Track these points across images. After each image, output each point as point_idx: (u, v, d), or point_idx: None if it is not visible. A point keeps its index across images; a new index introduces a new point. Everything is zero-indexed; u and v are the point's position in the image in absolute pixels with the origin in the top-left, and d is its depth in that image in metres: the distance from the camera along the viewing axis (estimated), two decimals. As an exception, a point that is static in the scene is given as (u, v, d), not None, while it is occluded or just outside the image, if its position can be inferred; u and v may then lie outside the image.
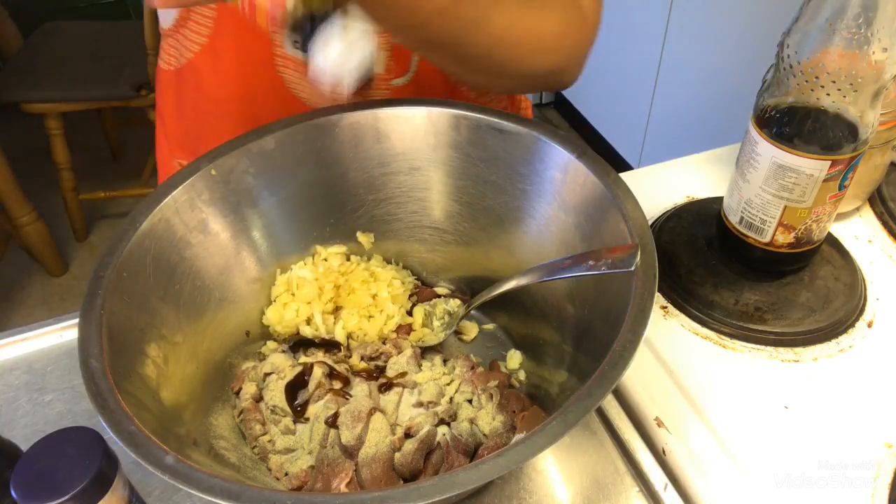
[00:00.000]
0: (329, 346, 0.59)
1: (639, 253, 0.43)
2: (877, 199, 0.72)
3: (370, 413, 0.50)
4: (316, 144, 0.58)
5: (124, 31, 2.05)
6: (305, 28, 0.36)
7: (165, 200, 0.50)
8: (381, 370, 0.57)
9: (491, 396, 0.53)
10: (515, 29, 0.52)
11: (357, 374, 0.56)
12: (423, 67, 0.64)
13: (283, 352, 0.58)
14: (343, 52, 0.37)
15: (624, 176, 0.63)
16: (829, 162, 0.53)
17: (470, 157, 0.58)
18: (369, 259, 0.63)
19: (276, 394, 0.54)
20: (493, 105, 0.72)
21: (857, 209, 0.72)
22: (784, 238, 0.59)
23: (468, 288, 0.64)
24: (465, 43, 0.51)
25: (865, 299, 0.63)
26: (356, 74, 0.37)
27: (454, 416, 0.53)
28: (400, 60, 0.63)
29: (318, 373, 0.55)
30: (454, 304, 0.62)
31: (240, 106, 0.67)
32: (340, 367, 0.56)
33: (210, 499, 0.34)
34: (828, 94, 0.51)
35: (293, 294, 0.59)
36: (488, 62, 0.54)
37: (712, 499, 0.49)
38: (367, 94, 0.39)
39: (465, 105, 0.57)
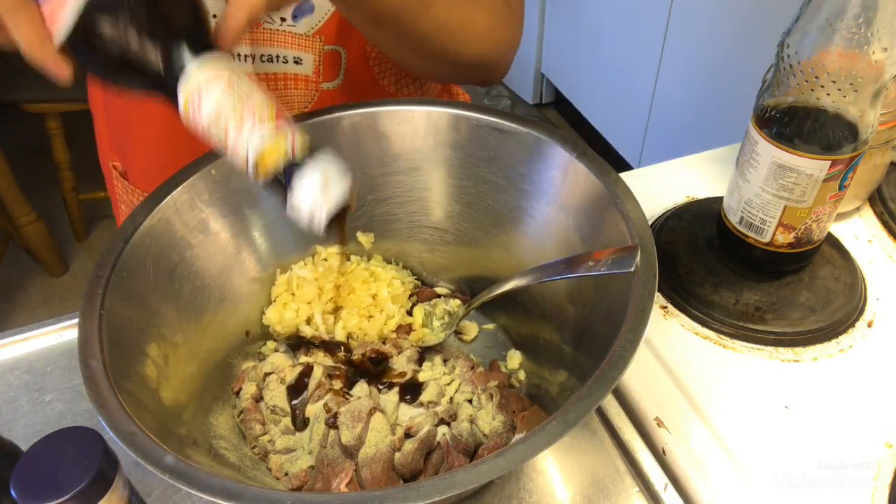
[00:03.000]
0: (329, 346, 0.59)
1: (639, 253, 0.43)
2: (877, 199, 0.72)
3: (370, 413, 0.50)
4: (316, 144, 0.58)
5: (124, 31, 2.05)
6: (284, 173, 0.38)
7: (165, 200, 0.50)
8: (382, 370, 0.57)
9: (491, 396, 0.53)
10: (452, 15, 0.57)
11: (357, 373, 0.56)
12: (351, 72, 0.67)
13: (283, 352, 0.58)
14: (321, 194, 0.38)
15: (624, 176, 0.63)
16: (829, 162, 0.53)
17: (470, 157, 0.58)
18: (369, 259, 0.63)
19: (276, 394, 0.54)
20: (429, 94, 0.75)
21: (857, 209, 0.72)
22: (784, 238, 0.59)
23: (468, 288, 0.64)
24: (407, 23, 0.54)
25: (865, 299, 0.63)
26: (333, 211, 0.39)
27: (454, 416, 0.53)
28: (330, 66, 0.66)
29: (318, 373, 0.55)
30: (454, 304, 0.62)
31: (159, 110, 0.68)
32: (340, 368, 0.56)
33: (210, 499, 0.34)
34: (828, 94, 0.51)
35: (293, 294, 0.59)
36: (426, 44, 0.58)
37: (712, 499, 0.49)
38: (342, 223, 0.41)
39: (465, 105, 0.57)
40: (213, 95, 0.37)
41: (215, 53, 0.38)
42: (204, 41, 0.39)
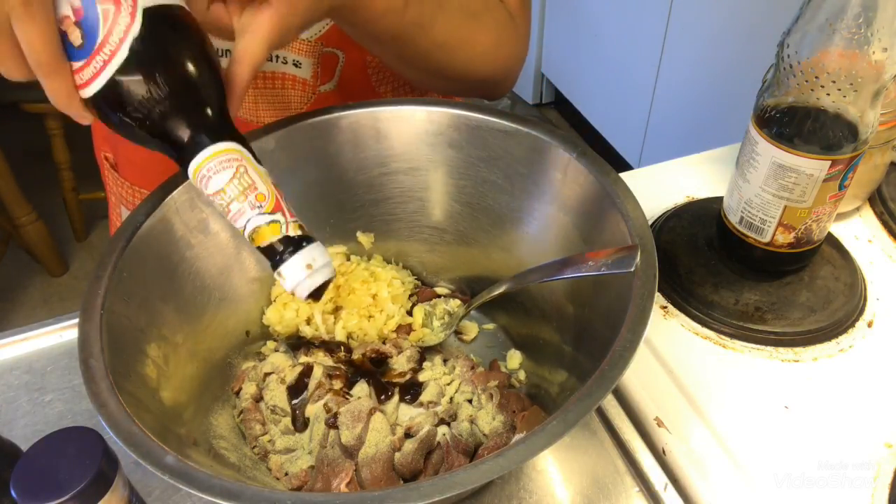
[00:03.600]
0: (329, 346, 0.59)
1: (639, 253, 0.43)
2: (877, 199, 0.72)
3: (370, 413, 0.50)
4: (316, 144, 0.58)
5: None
6: (277, 248, 0.41)
7: (165, 200, 0.50)
8: (382, 370, 0.57)
9: (491, 396, 0.53)
10: (454, 36, 0.57)
11: (357, 373, 0.56)
12: (346, 76, 0.67)
13: (283, 352, 0.58)
14: (305, 277, 0.42)
15: (624, 176, 0.63)
16: (829, 162, 0.53)
17: (470, 157, 0.58)
18: (369, 259, 0.63)
19: (276, 394, 0.54)
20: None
21: (857, 209, 0.72)
22: (784, 238, 0.59)
23: (468, 288, 0.64)
24: (408, 43, 0.55)
25: (865, 299, 0.63)
26: (311, 291, 0.43)
27: (454, 416, 0.53)
28: (326, 69, 0.66)
29: (318, 373, 0.55)
30: (454, 304, 0.62)
31: None
32: (340, 368, 0.56)
33: (210, 499, 0.34)
34: (828, 94, 0.51)
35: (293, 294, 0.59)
36: (427, 62, 0.58)
37: (712, 499, 0.49)
38: (319, 295, 0.45)
39: (465, 105, 0.57)
40: (220, 180, 0.40)
41: (231, 143, 0.41)
42: (226, 124, 0.42)
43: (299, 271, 0.41)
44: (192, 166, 0.41)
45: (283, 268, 0.41)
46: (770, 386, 0.57)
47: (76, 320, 0.42)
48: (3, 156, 1.76)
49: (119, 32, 0.38)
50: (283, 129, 0.56)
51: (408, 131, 0.58)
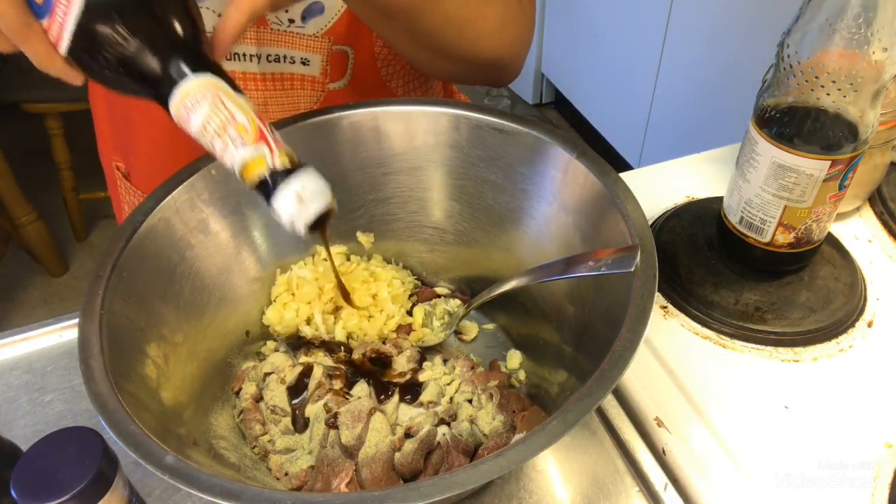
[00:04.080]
0: (329, 346, 0.59)
1: (639, 253, 0.43)
2: (877, 199, 0.72)
3: (370, 413, 0.51)
4: (316, 144, 0.58)
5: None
6: (270, 179, 0.40)
7: (165, 200, 0.50)
8: (382, 370, 0.57)
9: (491, 396, 0.53)
10: (462, 12, 0.57)
11: (357, 373, 0.56)
12: (358, 72, 0.67)
13: (284, 352, 0.58)
14: (298, 205, 0.40)
15: (624, 176, 0.63)
16: (829, 162, 0.53)
17: (470, 157, 0.58)
18: (369, 259, 0.63)
19: (276, 394, 0.54)
20: (415, 95, 0.74)
21: (857, 209, 0.72)
22: (784, 238, 0.59)
23: (468, 288, 0.64)
24: (418, 18, 0.54)
25: (865, 299, 0.63)
26: (309, 222, 0.41)
27: (454, 416, 0.53)
28: (336, 67, 0.66)
29: (318, 373, 0.55)
30: (454, 304, 0.62)
31: (160, 112, 0.69)
32: (340, 368, 0.56)
33: (210, 499, 0.34)
34: (828, 94, 0.51)
35: (293, 294, 0.59)
36: (436, 40, 0.58)
37: (712, 499, 0.49)
38: (323, 230, 0.44)
39: (465, 105, 0.57)
40: (199, 114, 0.39)
41: (205, 75, 0.40)
42: (199, 57, 0.41)
43: (289, 204, 0.40)
44: (172, 108, 0.40)
45: (274, 203, 0.40)
46: (770, 386, 0.57)
47: (76, 320, 0.42)
48: (3, 156, 1.76)
49: None
50: (283, 128, 0.56)
51: (408, 131, 0.58)
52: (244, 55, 0.63)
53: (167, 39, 0.40)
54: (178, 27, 0.41)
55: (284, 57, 0.64)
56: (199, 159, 0.53)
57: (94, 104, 0.79)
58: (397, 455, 0.49)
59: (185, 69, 0.40)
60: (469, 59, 0.62)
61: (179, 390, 0.48)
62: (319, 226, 0.42)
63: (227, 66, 0.63)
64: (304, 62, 0.65)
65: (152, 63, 0.39)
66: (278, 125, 0.56)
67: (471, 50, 0.60)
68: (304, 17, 0.61)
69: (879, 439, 0.52)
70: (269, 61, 0.64)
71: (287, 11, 0.60)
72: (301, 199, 0.40)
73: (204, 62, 0.41)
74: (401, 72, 0.71)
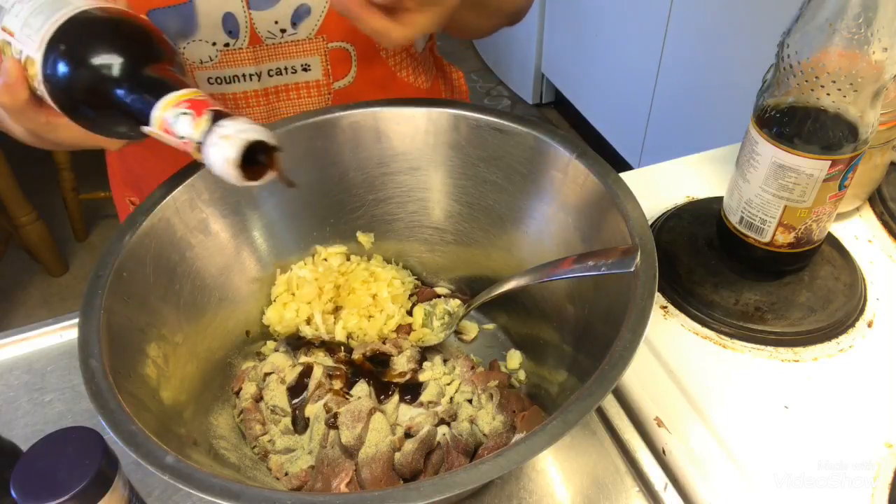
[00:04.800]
0: (329, 346, 0.59)
1: (639, 253, 0.43)
2: (877, 199, 0.72)
3: (370, 413, 0.51)
4: (316, 144, 0.58)
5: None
6: (200, 140, 0.41)
7: (165, 200, 0.50)
8: (382, 370, 0.57)
9: (491, 396, 0.53)
10: None
11: (357, 373, 0.56)
12: (363, 67, 0.67)
13: (283, 352, 0.58)
14: (228, 142, 0.40)
15: (624, 176, 0.63)
16: (829, 162, 0.53)
17: (470, 157, 0.58)
18: (369, 259, 0.63)
19: (276, 394, 0.54)
20: (421, 81, 0.75)
21: (857, 209, 0.72)
22: (784, 238, 0.59)
23: (468, 288, 0.64)
24: None
25: (865, 299, 0.63)
26: (241, 148, 0.40)
27: (454, 416, 0.53)
28: (339, 66, 0.66)
29: (318, 373, 0.55)
30: (454, 304, 0.62)
31: (171, 147, 0.69)
32: (340, 368, 0.56)
33: (210, 499, 0.34)
34: (828, 94, 0.51)
35: (293, 294, 0.59)
36: (500, 3, 0.68)
37: (712, 499, 0.49)
38: (273, 164, 0.43)
39: (465, 105, 0.57)
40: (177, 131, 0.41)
41: (158, 108, 0.42)
42: (150, 95, 0.42)
43: (218, 146, 0.39)
44: (151, 133, 0.42)
45: (204, 152, 0.40)
46: (770, 386, 0.57)
47: (76, 320, 0.42)
48: (3, 156, 1.76)
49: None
50: (283, 128, 0.56)
51: (408, 131, 0.58)
52: (244, 76, 0.63)
53: (121, 94, 0.43)
54: (128, 76, 0.43)
55: (285, 69, 0.64)
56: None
57: None
58: (397, 455, 0.49)
59: (145, 114, 0.42)
60: (510, 13, 0.70)
61: (179, 390, 0.48)
62: (253, 172, 0.41)
63: (229, 90, 0.63)
64: (305, 68, 0.64)
65: (121, 111, 0.43)
66: (279, 124, 0.56)
67: (514, 4, 0.69)
68: (293, 24, 0.61)
69: (879, 439, 0.52)
70: (271, 76, 0.64)
71: (277, 23, 0.60)
72: (227, 137, 0.39)
73: (159, 90, 0.42)
74: (408, 60, 0.71)
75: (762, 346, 0.59)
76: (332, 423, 0.51)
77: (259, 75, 0.63)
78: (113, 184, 0.82)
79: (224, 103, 0.64)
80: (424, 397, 0.54)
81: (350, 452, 0.49)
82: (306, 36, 0.63)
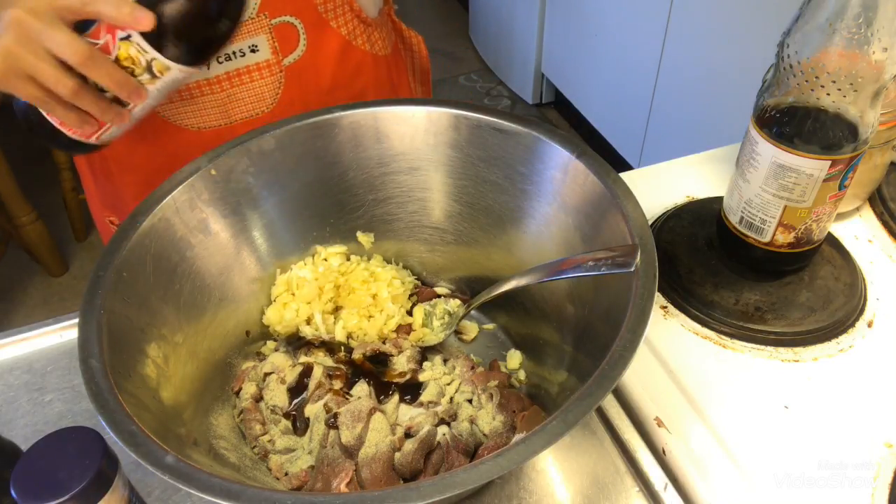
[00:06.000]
0: (329, 346, 0.59)
1: (639, 253, 0.43)
2: (877, 199, 0.72)
3: (370, 413, 0.51)
4: (316, 144, 0.58)
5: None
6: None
7: (165, 200, 0.50)
8: (382, 370, 0.57)
9: (491, 396, 0.53)
10: None
11: (357, 373, 0.56)
12: (313, 38, 0.66)
13: (283, 352, 0.58)
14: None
15: (624, 176, 0.63)
16: (829, 162, 0.53)
17: (470, 157, 0.58)
18: (369, 259, 0.63)
19: (276, 394, 0.54)
20: (379, 48, 0.74)
21: (857, 209, 0.72)
22: (784, 238, 0.59)
23: (468, 288, 0.64)
24: None
25: (865, 299, 0.63)
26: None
27: (454, 416, 0.53)
28: (285, 39, 0.65)
29: (318, 373, 0.55)
30: (454, 304, 0.62)
31: (134, 156, 0.70)
32: (340, 368, 0.56)
33: (210, 499, 0.34)
34: (828, 94, 0.51)
35: (293, 294, 0.59)
36: None
37: (712, 499, 0.49)
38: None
39: (465, 105, 0.57)
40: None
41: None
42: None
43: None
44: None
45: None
46: (770, 386, 0.57)
47: (76, 320, 0.43)
48: (3, 156, 1.76)
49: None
50: (283, 128, 0.56)
51: (408, 131, 0.58)
52: None
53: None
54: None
55: (233, 53, 0.63)
56: (198, 159, 0.53)
57: (79, 169, 0.80)
58: (397, 455, 0.49)
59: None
60: None
61: (179, 390, 0.48)
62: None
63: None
64: (253, 49, 0.64)
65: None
66: (276, 126, 0.56)
67: None
68: None
69: (879, 439, 0.52)
70: (220, 62, 0.63)
71: None
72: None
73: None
74: (361, 27, 0.70)
75: (762, 346, 0.59)
76: (332, 423, 0.51)
77: (208, 64, 0.63)
78: (92, 206, 0.82)
79: (179, 95, 0.64)
80: (424, 397, 0.54)
81: (350, 452, 0.49)
82: (248, 16, 0.62)
